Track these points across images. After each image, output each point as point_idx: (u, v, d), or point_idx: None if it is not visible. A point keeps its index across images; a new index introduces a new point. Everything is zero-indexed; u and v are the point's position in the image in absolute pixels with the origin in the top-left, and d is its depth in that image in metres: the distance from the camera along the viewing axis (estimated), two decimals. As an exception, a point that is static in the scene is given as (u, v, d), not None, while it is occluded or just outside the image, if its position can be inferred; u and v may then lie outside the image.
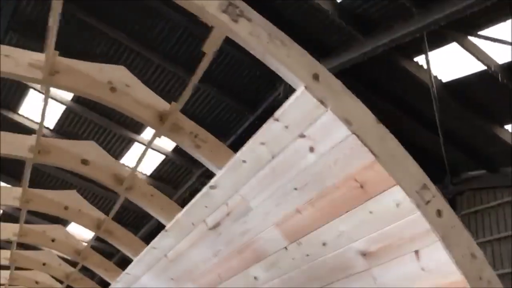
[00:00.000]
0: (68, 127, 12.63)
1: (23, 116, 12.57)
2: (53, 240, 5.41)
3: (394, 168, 2.57)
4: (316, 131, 2.70)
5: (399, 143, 2.67)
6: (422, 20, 9.98)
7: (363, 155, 2.59)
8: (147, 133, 13.14)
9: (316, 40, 10.58)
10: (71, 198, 4.73)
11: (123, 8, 10.38)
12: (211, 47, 2.83)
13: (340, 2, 10.87)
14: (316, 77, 2.63)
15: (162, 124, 3.35)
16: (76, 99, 12.22)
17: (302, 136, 2.77)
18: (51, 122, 12.73)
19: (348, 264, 3.00)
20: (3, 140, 3.60)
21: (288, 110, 2.72)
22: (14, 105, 12.44)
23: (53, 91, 12.92)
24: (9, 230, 5.38)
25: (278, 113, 2.77)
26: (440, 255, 2.52)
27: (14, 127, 11.54)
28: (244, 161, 3.14)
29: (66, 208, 4.67)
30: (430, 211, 2.55)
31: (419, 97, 12.00)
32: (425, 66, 11.44)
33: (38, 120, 12.73)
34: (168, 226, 4.04)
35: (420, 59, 11.63)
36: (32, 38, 10.18)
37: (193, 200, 3.67)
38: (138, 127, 12.80)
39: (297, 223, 3.15)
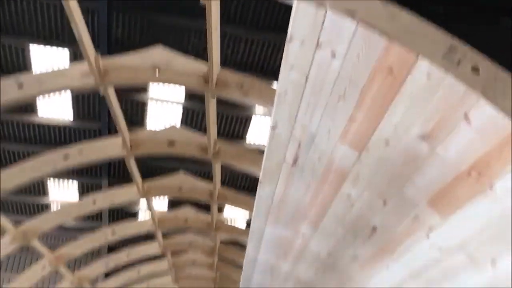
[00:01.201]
0: (190, 124, 13.61)
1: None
2: (186, 220, 6.03)
3: (411, 42, 2.47)
4: (329, 35, 2.69)
5: (413, 16, 2.54)
6: None
7: (378, 40, 2.53)
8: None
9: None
10: (182, 179, 5.22)
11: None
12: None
13: None
14: (308, -17, 2.61)
15: (208, 86, 3.56)
16: (188, 97, 13.09)
17: (319, 46, 2.78)
18: (174, 122, 13.76)
19: (415, 153, 2.93)
20: (95, 147, 4.15)
21: (295, 25, 2.75)
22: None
23: (168, 96, 13.78)
24: (148, 224, 6.11)
25: (289, 33, 2.81)
26: (487, 111, 2.37)
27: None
28: (285, 91, 3.22)
29: (180, 188, 5.17)
30: (463, 71, 2.40)
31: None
32: None
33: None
34: (260, 176, 4.27)
35: None
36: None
37: (266, 145, 3.84)
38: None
39: (356, 131, 3.16)
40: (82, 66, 3.54)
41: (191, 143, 4.26)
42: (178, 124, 13.60)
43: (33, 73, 3.50)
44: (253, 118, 14.33)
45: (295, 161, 3.83)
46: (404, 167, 3.08)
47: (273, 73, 12.01)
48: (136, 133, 4.21)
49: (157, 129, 4.42)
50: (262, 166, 4.17)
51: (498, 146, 2.46)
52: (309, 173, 3.87)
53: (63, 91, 12.62)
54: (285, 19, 11.03)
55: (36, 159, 4.24)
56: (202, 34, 11.32)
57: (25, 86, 3.26)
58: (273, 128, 3.60)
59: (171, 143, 4.24)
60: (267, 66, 12.14)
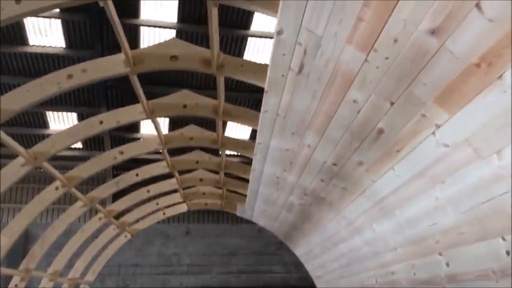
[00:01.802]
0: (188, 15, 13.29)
1: (145, 20, 13.35)
2: (191, 138, 6.11)
3: None
4: None
5: None
6: None
7: None
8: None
9: None
10: (186, 96, 5.23)
11: None
12: None
13: None
14: None
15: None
16: (180, 19, 12.78)
17: None
18: (172, 17, 13.39)
19: (424, 49, 2.93)
20: (98, 65, 4.12)
21: None
22: (134, 13, 13.24)
23: (160, 19, 13.30)
24: (155, 142, 6.21)
25: None
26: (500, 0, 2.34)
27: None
28: (291, -6, 3.15)
29: (184, 106, 5.19)
30: (477, -43, 2.35)
31: None
32: None
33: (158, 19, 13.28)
34: (265, 86, 4.28)
35: None
36: None
37: (271, 53, 3.82)
38: (245, 24, 13.01)
39: (364, 31, 3.13)
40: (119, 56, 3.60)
41: (193, 56, 4.23)
42: (174, 17, 13.16)
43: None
44: (249, 39, 14.09)
45: (300, 68, 3.83)
46: (412, 65, 3.09)
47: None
48: (136, 50, 4.16)
49: (158, 43, 4.37)
50: (267, 75, 4.16)
51: (509, 33, 2.45)
52: (315, 81, 3.88)
53: (52, 16, 12.28)
54: None
55: (40, 79, 4.23)
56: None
57: (23, 1, 3.18)
58: (278, 34, 3.56)
59: (174, 57, 4.20)
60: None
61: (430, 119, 3.32)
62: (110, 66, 4.19)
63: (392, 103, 3.53)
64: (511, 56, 2.49)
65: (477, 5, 2.47)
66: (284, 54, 3.78)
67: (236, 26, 13.38)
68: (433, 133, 3.38)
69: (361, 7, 2.97)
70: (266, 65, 4.23)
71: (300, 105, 4.33)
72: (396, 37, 2.99)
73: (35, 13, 3.35)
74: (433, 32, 2.78)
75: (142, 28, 13.10)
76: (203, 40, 13.11)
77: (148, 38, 13.34)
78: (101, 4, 3.31)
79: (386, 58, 3.19)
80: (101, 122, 5.20)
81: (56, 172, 5.98)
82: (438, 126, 3.31)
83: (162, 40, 13.25)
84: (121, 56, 4.14)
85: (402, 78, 3.24)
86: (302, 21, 3.36)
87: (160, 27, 13.09)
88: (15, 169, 5.12)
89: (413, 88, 3.23)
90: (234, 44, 14.00)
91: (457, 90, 2.98)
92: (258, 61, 14.26)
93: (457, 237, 3.93)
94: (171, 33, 13.30)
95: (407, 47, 3.01)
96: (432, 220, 4.14)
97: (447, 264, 4.21)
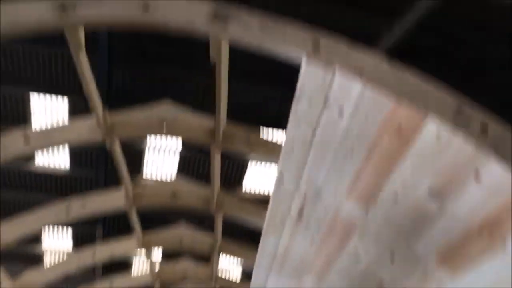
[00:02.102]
0: (187, 171, 13.62)
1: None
2: (184, 273, 5.93)
3: (420, 101, 2.51)
4: (336, 94, 2.74)
5: (421, 75, 2.59)
6: None
7: (386, 100, 2.57)
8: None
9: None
10: (182, 232, 5.17)
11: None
12: (216, 57, 3.01)
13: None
14: (316, 45, 2.68)
15: (214, 140, 3.60)
16: (185, 146, 13.15)
17: (327, 104, 2.82)
18: (173, 171, 13.78)
19: (424, 211, 2.92)
20: (97, 200, 4.13)
21: (303, 84, 2.80)
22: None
23: (165, 145, 13.78)
24: (147, 277, 6.00)
25: (297, 91, 2.86)
26: (498, 169, 2.38)
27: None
28: (292, 146, 3.24)
29: (180, 241, 5.12)
30: (473, 131, 2.43)
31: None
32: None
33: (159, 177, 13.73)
34: (263, 228, 4.24)
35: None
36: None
37: (271, 198, 3.83)
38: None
39: (363, 187, 3.16)
40: (89, 121, 3.58)
41: (193, 195, 4.25)
42: (175, 171, 13.54)
43: (39, 128, 3.52)
44: (249, 164, 14.23)
45: (300, 214, 3.81)
46: (413, 224, 3.06)
47: (272, 120, 12.16)
48: (138, 185, 4.20)
49: (159, 180, 4.42)
50: (266, 217, 4.14)
51: (509, 204, 2.46)
52: (314, 227, 3.84)
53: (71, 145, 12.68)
54: (281, 68, 11.28)
55: (38, 211, 4.21)
56: (199, 86, 11.53)
57: (31, 140, 3.28)
58: (279, 180, 3.60)
59: (174, 194, 4.23)
60: (265, 114, 12.31)
61: (432, 279, 3.21)
62: (110, 200, 4.19)
63: (393, 257, 3.45)
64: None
65: (476, 174, 2.50)
66: (283, 200, 3.79)
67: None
68: (436, 293, 3.25)
69: (361, 163, 3.03)
70: (265, 207, 4.23)
71: (298, 249, 4.25)
72: (395, 196, 3.00)
73: (42, 148, 3.42)
74: (432, 195, 2.79)
75: (146, 152, 13.40)
76: (206, 164, 13.34)
77: (152, 160, 13.58)
78: (108, 146, 3.39)
79: (387, 213, 3.18)
80: (94, 254, 5.09)
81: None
82: (440, 286, 3.19)
83: (165, 164, 13.56)
84: (121, 192, 4.16)
85: (403, 235, 3.19)
86: (302, 171, 3.41)
87: (164, 151, 13.40)
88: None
89: (415, 246, 3.17)
90: (236, 168, 14.17)
91: (460, 253, 2.92)
92: (257, 188, 14.45)
93: None
94: (175, 158, 13.57)
95: (407, 206, 3.00)
96: None
97: None
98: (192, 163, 13.42)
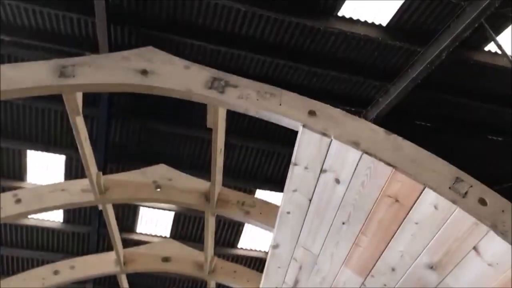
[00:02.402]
0: (182, 230, 13.41)
1: (142, 234, 13.63)
2: None
3: (417, 172, 2.49)
4: (333, 162, 2.72)
5: (418, 147, 2.59)
6: (475, 9, 9.53)
7: (383, 169, 2.55)
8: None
9: (377, 67, 10.41)
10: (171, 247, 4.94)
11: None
12: (212, 122, 3.02)
13: (387, 25, 10.70)
14: (312, 113, 2.69)
15: (208, 204, 3.55)
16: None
17: (323, 171, 2.79)
18: (166, 230, 13.58)
19: (423, 282, 2.83)
20: (87, 263, 4.01)
21: (300, 151, 2.78)
22: (131, 227, 13.58)
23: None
24: None
25: (294, 158, 2.84)
26: (498, 244, 2.33)
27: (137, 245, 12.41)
28: (288, 212, 3.19)
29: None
30: (470, 202, 2.40)
31: (506, 83, 11.17)
32: (498, 51, 10.74)
33: (154, 233, 13.60)
34: (258, 297, 4.10)
35: (490, 47, 10.99)
36: (127, 163, 11.19)
37: (266, 265, 3.73)
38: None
39: (361, 256, 3.08)
40: (83, 182, 3.54)
41: (186, 259, 4.15)
42: (169, 229, 13.35)
43: (31, 187, 3.48)
44: (245, 225, 14.15)
45: (295, 284, 3.69)
46: (412, 296, 2.97)
47: (266, 180, 12.10)
48: (129, 249, 4.10)
49: (151, 243, 4.32)
50: (261, 286, 4.00)
51: (510, 278, 2.39)
52: (310, 297, 3.71)
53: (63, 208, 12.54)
54: (278, 129, 11.35)
55: (25, 274, 4.07)
56: (198, 142, 11.57)
57: (23, 201, 3.23)
58: (274, 247, 3.51)
59: (166, 259, 4.12)
60: (260, 172, 12.25)
61: None
62: (100, 264, 4.07)
63: (392, 332, 3.32)
64: (515, 303, 2.38)
65: (475, 247, 2.45)
66: (279, 267, 3.68)
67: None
68: None
69: (358, 234, 2.96)
70: (259, 273, 4.11)
71: (294, 320, 4.08)
72: (394, 266, 2.92)
73: (35, 212, 3.36)
74: (431, 267, 2.72)
75: (141, 209, 13.26)
76: (201, 223, 13.18)
77: (146, 219, 13.41)
78: (100, 207, 3.32)
79: (384, 285, 3.08)
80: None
81: None
82: None
83: (160, 222, 13.37)
84: (112, 255, 4.05)
85: (402, 308, 3.08)
86: (298, 238, 3.34)
87: (159, 209, 13.26)
88: None
89: (414, 320, 3.05)
90: (231, 230, 14.01)
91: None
92: (253, 248, 14.20)
93: None
94: (170, 215, 13.42)
95: (405, 278, 2.92)
96: None
97: None
98: (188, 220, 13.24)
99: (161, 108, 11.12)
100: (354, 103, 10.55)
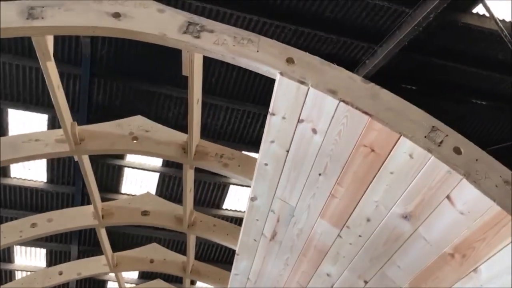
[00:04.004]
0: (166, 191, 13.43)
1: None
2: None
3: (393, 121, 2.47)
4: (310, 112, 2.68)
5: (395, 96, 2.56)
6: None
7: (359, 118, 2.52)
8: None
9: (364, 28, 10.25)
10: (154, 250, 5.02)
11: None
12: (188, 69, 2.95)
13: (376, -15, 10.45)
14: (290, 60, 2.64)
15: (186, 156, 3.51)
16: (165, 164, 12.98)
17: (301, 121, 2.76)
18: (151, 191, 13.59)
19: (397, 232, 2.86)
20: (65, 216, 3.98)
21: (277, 100, 2.74)
22: (115, 188, 13.57)
23: (145, 162, 13.66)
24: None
25: (271, 107, 2.80)
26: (470, 193, 2.34)
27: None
28: (266, 164, 3.17)
29: (152, 261, 4.96)
30: (445, 151, 2.39)
31: (493, 47, 11.13)
32: (486, 14, 10.65)
33: (139, 193, 13.59)
34: (237, 249, 4.13)
35: (478, 9, 10.87)
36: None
37: (244, 218, 3.74)
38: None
39: (337, 207, 3.09)
40: (58, 132, 3.46)
41: (165, 213, 4.14)
42: (154, 190, 13.36)
43: (4, 137, 3.40)
44: (231, 187, 14.22)
45: (273, 235, 3.72)
46: (386, 246, 3.00)
47: (251, 142, 12.07)
48: (108, 203, 4.07)
49: (131, 197, 4.29)
50: (239, 239, 4.03)
51: (481, 228, 2.41)
52: (287, 249, 3.74)
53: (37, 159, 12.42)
54: (264, 92, 11.25)
55: (2, 226, 4.04)
56: (183, 103, 11.45)
57: (-3, 150, 3.16)
58: (252, 199, 3.51)
59: (145, 213, 4.11)
60: (246, 135, 12.22)
61: (406, 304, 3.13)
62: (78, 217, 4.04)
63: (366, 282, 3.37)
64: (485, 252, 2.41)
65: (448, 196, 2.46)
66: (257, 220, 3.69)
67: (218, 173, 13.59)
68: (409, 319, 3.17)
69: (334, 185, 2.96)
70: (239, 227, 4.13)
71: (272, 272, 4.14)
72: (369, 217, 2.94)
73: (9, 163, 3.29)
74: (405, 216, 2.73)
75: (126, 170, 13.22)
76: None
77: (131, 179, 13.39)
78: (76, 158, 3.28)
79: (359, 236, 3.11)
80: (61, 273, 4.89)
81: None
82: (413, 313, 3.11)
83: (145, 182, 13.37)
84: (90, 208, 4.02)
85: (376, 258, 3.12)
86: (276, 190, 3.33)
87: (144, 169, 13.23)
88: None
89: (387, 270, 3.10)
90: (216, 190, 14.07)
91: (433, 277, 2.85)
92: (239, 209, 14.31)
93: None
94: (155, 176, 13.40)
95: (380, 228, 2.94)
96: None
97: None
98: (173, 181, 13.24)
99: (145, 67, 10.94)
100: (341, 64, 10.44)
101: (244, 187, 14.18)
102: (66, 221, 4.05)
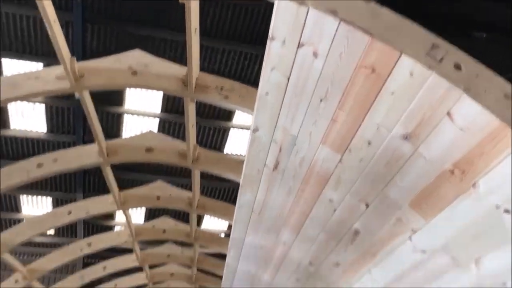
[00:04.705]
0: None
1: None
2: (164, 231, 5.91)
3: (394, 39, 2.46)
4: (311, 34, 2.67)
5: (396, 14, 2.54)
6: None
7: (360, 38, 2.52)
8: (239, 118, 13.52)
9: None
10: (159, 188, 5.12)
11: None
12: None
13: None
14: (288, -21, 2.59)
15: (187, 89, 3.51)
16: (164, 109, 12.98)
17: (301, 45, 2.75)
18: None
19: (398, 154, 2.92)
20: (70, 155, 4.03)
21: (276, 23, 2.72)
22: (116, 135, 13.64)
23: (144, 108, 13.65)
24: (125, 234, 5.96)
25: (271, 31, 2.79)
26: (470, 108, 2.37)
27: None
28: (267, 93, 3.19)
29: (158, 198, 5.07)
30: (446, 68, 2.40)
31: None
32: None
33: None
34: (241, 181, 4.21)
35: None
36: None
37: (247, 150, 3.79)
38: (227, 115, 13.29)
39: (339, 132, 3.13)
40: (57, 69, 3.44)
41: (169, 149, 4.19)
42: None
43: (5, 76, 3.38)
44: (231, 130, 14.27)
45: (276, 165, 3.78)
46: (387, 168, 3.06)
47: (250, 84, 12.03)
48: (112, 141, 4.11)
49: (133, 135, 4.34)
50: (243, 171, 4.11)
51: (480, 143, 2.46)
52: (290, 178, 3.82)
53: (37, 100, 12.39)
54: (260, 32, 11.07)
55: (9, 167, 4.11)
56: (178, 45, 11.29)
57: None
58: (254, 131, 3.55)
59: (149, 149, 4.16)
60: (244, 77, 12.15)
61: (406, 223, 3.24)
62: (83, 156, 4.10)
63: (367, 205, 3.47)
64: (483, 166, 2.47)
65: (448, 113, 2.49)
66: (259, 151, 3.75)
67: (218, 117, 13.62)
68: (410, 238, 3.28)
69: (336, 109, 2.99)
70: (242, 162, 4.19)
71: (275, 202, 4.24)
72: (370, 140, 2.99)
73: (10, 101, 3.31)
74: (406, 137, 2.78)
75: (125, 116, 13.23)
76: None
77: (131, 126, 13.43)
78: (77, 96, 3.29)
79: (361, 160, 3.17)
80: (70, 213, 5.01)
81: (17, 264, 5.66)
82: (414, 231, 3.22)
83: (145, 129, 13.43)
84: (94, 147, 4.07)
85: (377, 180, 3.20)
86: (277, 120, 3.37)
87: (143, 115, 13.25)
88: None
89: (388, 191, 3.18)
90: (216, 135, 14.15)
91: (433, 195, 2.94)
92: (239, 153, 14.44)
93: None
94: (155, 122, 13.44)
95: (381, 150, 2.99)
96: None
97: None
98: (172, 127, 13.29)
99: (139, 11, 10.73)
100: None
101: (245, 130, 14.24)
102: (71, 160, 4.11)
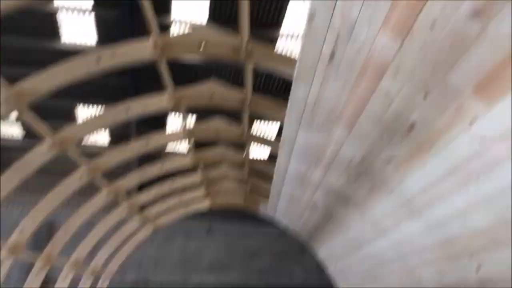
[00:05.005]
0: (219, 17, 13.20)
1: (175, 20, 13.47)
2: (216, 132, 6.04)
3: None
4: None
5: None
6: None
7: None
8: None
9: None
10: (213, 87, 5.17)
11: None
12: None
13: None
14: None
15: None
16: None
17: None
18: (204, 16, 13.29)
19: (463, 34, 2.78)
20: (126, 50, 4.09)
21: None
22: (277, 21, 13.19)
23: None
24: (179, 134, 6.14)
25: None
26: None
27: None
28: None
29: (211, 96, 5.14)
30: None
31: None
32: None
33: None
34: (294, 75, 4.17)
35: None
36: None
37: (302, 38, 3.71)
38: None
39: (400, 15, 3.00)
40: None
41: (222, 44, 4.16)
42: (205, 17, 12.87)
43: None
44: (290, 4, 13.27)
45: (332, 55, 3.70)
46: (450, 51, 2.94)
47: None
48: (163, 37, 4.11)
49: (185, 31, 4.33)
50: (297, 62, 4.04)
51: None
52: (346, 68, 3.75)
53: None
54: None
55: (69, 62, 4.23)
56: None
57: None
58: (311, 17, 3.44)
59: (202, 44, 4.14)
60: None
61: (467, 111, 3.15)
62: (139, 50, 4.15)
63: (426, 94, 3.38)
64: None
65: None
66: (315, 39, 3.66)
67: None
68: (470, 126, 3.21)
69: (399, -12, 2.84)
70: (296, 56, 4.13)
71: (329, 95, 4.20)
72: (435, 20, 2.85)
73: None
74: (475, 14, 2.63)
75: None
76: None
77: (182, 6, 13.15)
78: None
79: (423, 43, 3.05)
80: (128, 110, 5.18)
81: (81, 160, 5.99)
82: (474, 118, 3.14)
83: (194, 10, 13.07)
84: (149, 42, 4.11)
85: (439, 66, 3.09)
86: (335, 4, 3.24)
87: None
88: (40, 155, 5.11)
89: (450, 77, 3.08)
90: (273, 8, 13.53)
91: (498, 79, 2.82)
92: (295, 34, 13.92)
93: (490, 240, 3.75)
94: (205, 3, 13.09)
95: (445, 32, 2.86)
96: (464, 221, 3.95)
97: (478, 269, 4.02)
98: (225, 3, 12.81)
99: None
100: None
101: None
102: (128, 54, 4.16)
